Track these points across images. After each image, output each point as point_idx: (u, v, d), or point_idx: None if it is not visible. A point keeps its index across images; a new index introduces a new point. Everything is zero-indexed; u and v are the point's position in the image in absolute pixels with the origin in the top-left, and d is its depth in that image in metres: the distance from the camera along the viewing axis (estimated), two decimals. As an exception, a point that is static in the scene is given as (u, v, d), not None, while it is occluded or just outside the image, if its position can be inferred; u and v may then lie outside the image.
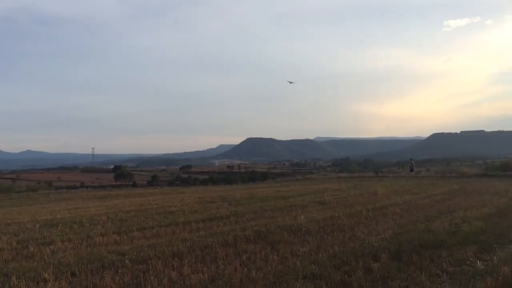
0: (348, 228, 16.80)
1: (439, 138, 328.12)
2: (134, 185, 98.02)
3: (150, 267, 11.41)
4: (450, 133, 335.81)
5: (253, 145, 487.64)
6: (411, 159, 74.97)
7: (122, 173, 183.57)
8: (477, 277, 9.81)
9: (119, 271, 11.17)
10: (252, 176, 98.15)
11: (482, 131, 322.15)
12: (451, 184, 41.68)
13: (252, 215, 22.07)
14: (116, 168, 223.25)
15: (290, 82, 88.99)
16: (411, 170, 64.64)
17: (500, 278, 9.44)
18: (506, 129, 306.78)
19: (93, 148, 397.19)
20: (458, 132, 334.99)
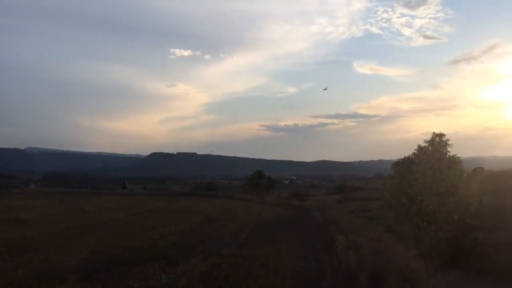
0: (43, 249, 15.54)
1: (158, 157, 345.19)
2: None
3: None
4: (168, 153, 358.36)
5: None
6: (123, 177, 76.05)
7: None
8: (158, 291, 10.51)
9: None
10: None
11: (195, 154, 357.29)
12: (161, 202, 44.22)
13: None
14: None
15: (325, 89, 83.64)
16: (124, 187, 65.68)
17: (177, 289, 10.42)
18: (214, 153, 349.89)
19: None
20: (175, 153, 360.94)
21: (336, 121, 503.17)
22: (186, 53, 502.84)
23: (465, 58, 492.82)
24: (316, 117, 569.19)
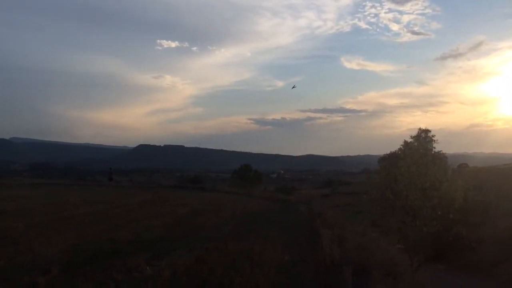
0: (25, 241, 15.31)
1: (145, 149, 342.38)
2: None
3: None
4: (155, 145, 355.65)
5: None
6: (110, 168, 75.23)
7: None
8: (141, 283, 10.42)
9: None
10: None
11: (182, 146, 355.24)
12: (147, 194, 43.95)
13: None
14: None
15: (293, 87, 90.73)
16: (110, 179, 65.03)
17: (161, 281, 10.34)
18: (202, 146, 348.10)
19: None
20: (162, 145, 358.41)
21: (323, 115, 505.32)
22: (173, 44, 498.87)
23: (452, 55, 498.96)
24: (304, 111, 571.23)
